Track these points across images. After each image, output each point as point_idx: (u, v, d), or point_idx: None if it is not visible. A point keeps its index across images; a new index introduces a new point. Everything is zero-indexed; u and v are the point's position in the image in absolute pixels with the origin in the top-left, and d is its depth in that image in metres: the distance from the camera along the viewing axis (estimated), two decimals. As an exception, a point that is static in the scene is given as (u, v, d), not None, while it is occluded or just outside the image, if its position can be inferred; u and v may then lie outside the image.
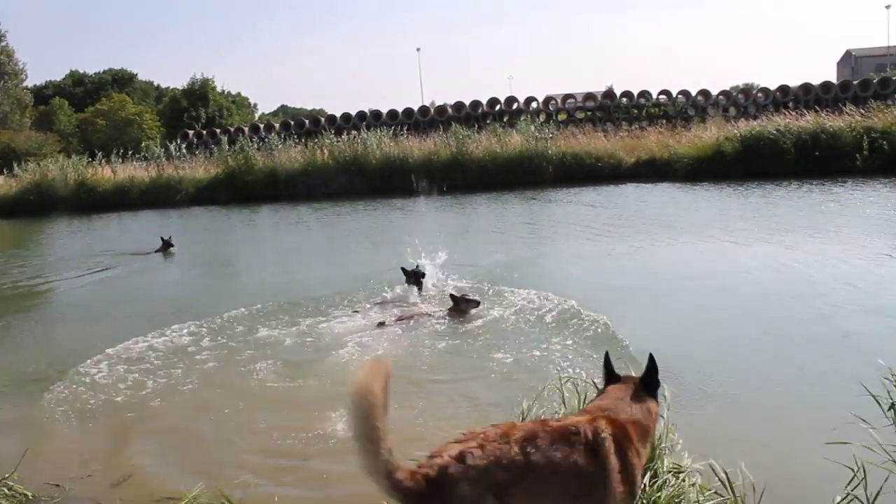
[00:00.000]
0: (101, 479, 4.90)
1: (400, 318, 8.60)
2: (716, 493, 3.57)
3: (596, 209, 18.76)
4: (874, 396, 3.74)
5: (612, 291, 9.63)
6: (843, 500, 3.44)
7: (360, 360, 7.11)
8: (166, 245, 15.03)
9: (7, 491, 4.55)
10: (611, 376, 3.32)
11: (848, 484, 3.45)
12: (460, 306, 8.41)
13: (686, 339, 7.53)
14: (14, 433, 5.88)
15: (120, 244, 17.82)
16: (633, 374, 3.39)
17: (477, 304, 8.39)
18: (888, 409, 3.65)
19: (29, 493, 4.66)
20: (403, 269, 9.88)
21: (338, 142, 28.66)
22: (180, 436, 5.73)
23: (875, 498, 3.35)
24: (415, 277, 9.77)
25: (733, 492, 3.40)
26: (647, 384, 3.24)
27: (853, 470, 3.44)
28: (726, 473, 3.46)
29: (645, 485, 3.47)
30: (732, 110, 37.52)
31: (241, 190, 27.48)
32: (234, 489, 4.32)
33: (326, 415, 5.83)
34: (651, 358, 3.26)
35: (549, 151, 26.25)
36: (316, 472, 4.94)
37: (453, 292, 8.78)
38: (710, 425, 5.16)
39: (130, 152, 34.30)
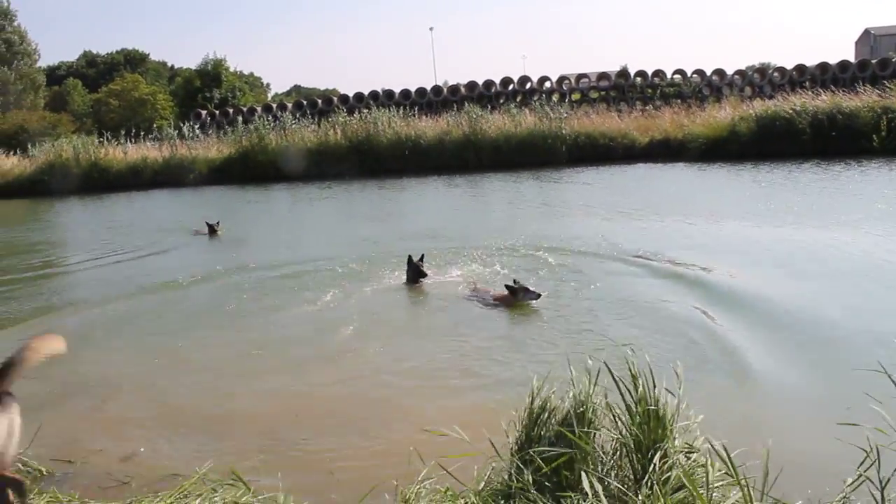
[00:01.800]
0: (111, 454, 4.93)
1: (476, 290, 8.99)
2: (726, 473, 3.52)
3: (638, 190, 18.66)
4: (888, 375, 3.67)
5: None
6: (854, 481, 3.39)
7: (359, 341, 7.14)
8: (212, 230, 15.65)
9: (21, 466, 4.59)
10: None
11: (860, 465, 3.40)
12: (517, 297, 8.17)
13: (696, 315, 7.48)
14: (25, 410, 5.91)
15: (165, 223, 18.14)
16: None
17: (537, 295, 8.10)
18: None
19: (43, 469, 4.70)
20: (410, 257, 9.74)
21: (351, 120, 28.60)
22: (186, 414, 5.74)
23: (888, 481, 3.30)
24: (413, 269, 9.63)
25: (736, 473, 3.34)
26: None
27: (866, 451, 3.39)
28: (729, 455, 3.40)
29: (655, 465, 3.44)
30: (748, 90, 37.13)
31: (253, 169, 27.51)
32: (243, 468, 4.32)
33: (335, 393, 5.85)
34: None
35: (563, 131, 26.09)
36: (319, 450, 4.94)
37: (509, 283, 8.36)
38: (722, 404, 5.11)
39: (142, 133, 34.42)
